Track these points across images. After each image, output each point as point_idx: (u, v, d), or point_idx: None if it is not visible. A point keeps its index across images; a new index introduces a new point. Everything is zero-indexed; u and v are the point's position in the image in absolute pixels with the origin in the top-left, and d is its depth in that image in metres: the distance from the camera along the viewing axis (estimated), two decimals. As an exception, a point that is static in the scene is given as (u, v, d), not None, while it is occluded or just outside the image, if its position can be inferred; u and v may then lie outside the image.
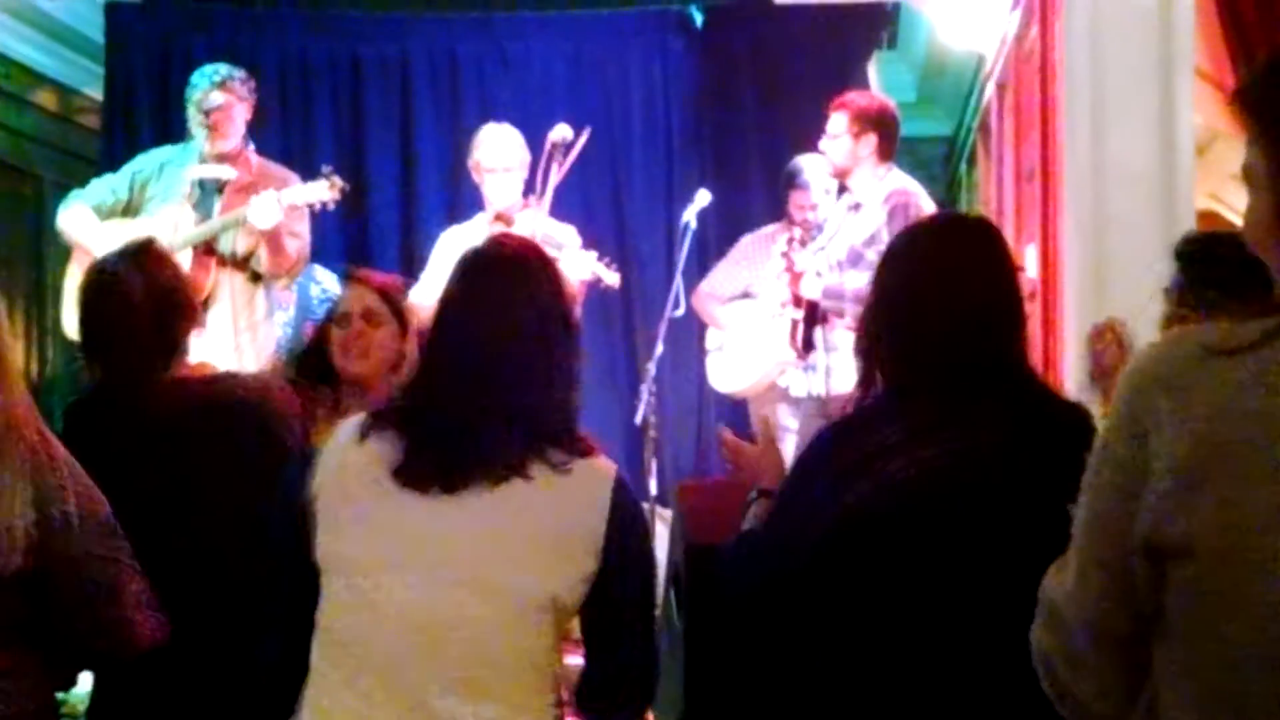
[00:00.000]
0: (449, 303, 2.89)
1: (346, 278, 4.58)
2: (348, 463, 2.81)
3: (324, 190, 6.41)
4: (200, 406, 3.80)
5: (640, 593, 2.92)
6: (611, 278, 6.62)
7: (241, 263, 6.53)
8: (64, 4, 8.47)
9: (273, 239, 6.41)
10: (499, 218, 6.70)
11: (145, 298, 3.89)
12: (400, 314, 4.33)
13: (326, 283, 7.22)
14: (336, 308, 4.39)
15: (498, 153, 6.72)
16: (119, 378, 3.83)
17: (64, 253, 6.65)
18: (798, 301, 6.26)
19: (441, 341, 2.87)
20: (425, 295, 6.43)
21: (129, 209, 6.59)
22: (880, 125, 6.35)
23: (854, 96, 6.46)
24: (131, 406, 3.78)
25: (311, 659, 2.78)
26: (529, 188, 6.73)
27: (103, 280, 3.95)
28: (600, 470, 2.87)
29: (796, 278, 6.24)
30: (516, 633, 2.73)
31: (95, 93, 8.73)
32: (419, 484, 2.75)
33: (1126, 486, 1.85)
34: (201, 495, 3.74)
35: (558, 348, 2.86)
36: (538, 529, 2.76)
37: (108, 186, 6.67)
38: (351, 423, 2.88)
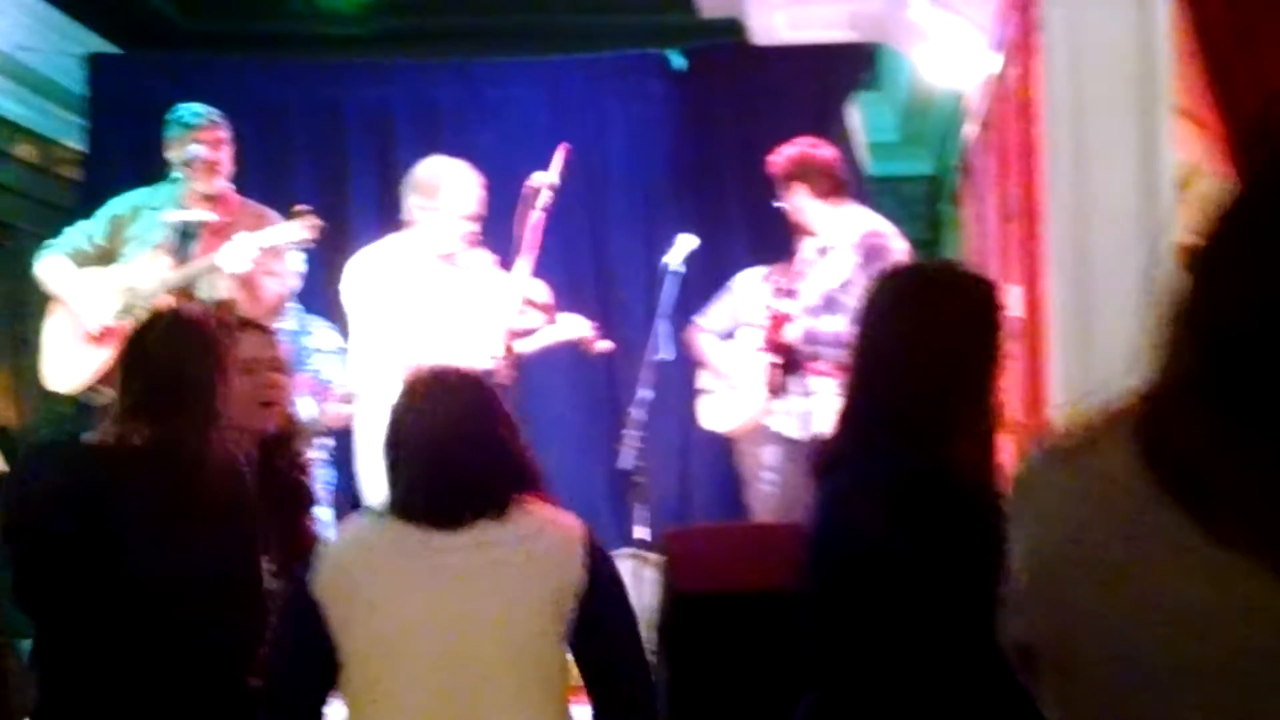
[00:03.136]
0: (432, 421, 3.38)
1: (244, 324, 4.42)
2: (372, 550, 3.32)
3: (298, 230, 6.31)
4: (231, 473, 3.76)
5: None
6: (603, 346, 6.66)
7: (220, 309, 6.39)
8: (43, 56, 8.45)
9: (248, 282, 6.31)
10: (450, 262, 6.60)
11: (227, 359, 3.86)
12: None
13: (321, 338, 7.15)
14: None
15: (467, 201, 6.57)
16: (176, 435, 3.73)
17: (43, 304, 6.60)
18: (775, 347, 6.25)
19: (437, 454, 3.35)
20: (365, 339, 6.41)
21: (106, 255, 6.50)
22: (800, 172, 6.40)
23: (775, 158, 6.49)
24: (187, 466, 3.70)
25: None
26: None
27: (193, 333, 3.87)
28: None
29: (778, 323, 6.22)
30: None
31: (74, 144, 8.70)
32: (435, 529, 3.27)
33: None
34: (242, 567, 3.72)
35: (517, 437, 3.52)
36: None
37: (84, 234, 6.59)
38: (363, 521, 3.45)
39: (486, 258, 6.58)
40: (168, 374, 3.77)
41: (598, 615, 3.28)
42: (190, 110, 6.66)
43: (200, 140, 6.51)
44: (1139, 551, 1.60)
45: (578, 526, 3.37)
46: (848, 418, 3.15)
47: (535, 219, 6.54)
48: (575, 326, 6.69)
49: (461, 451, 3.34)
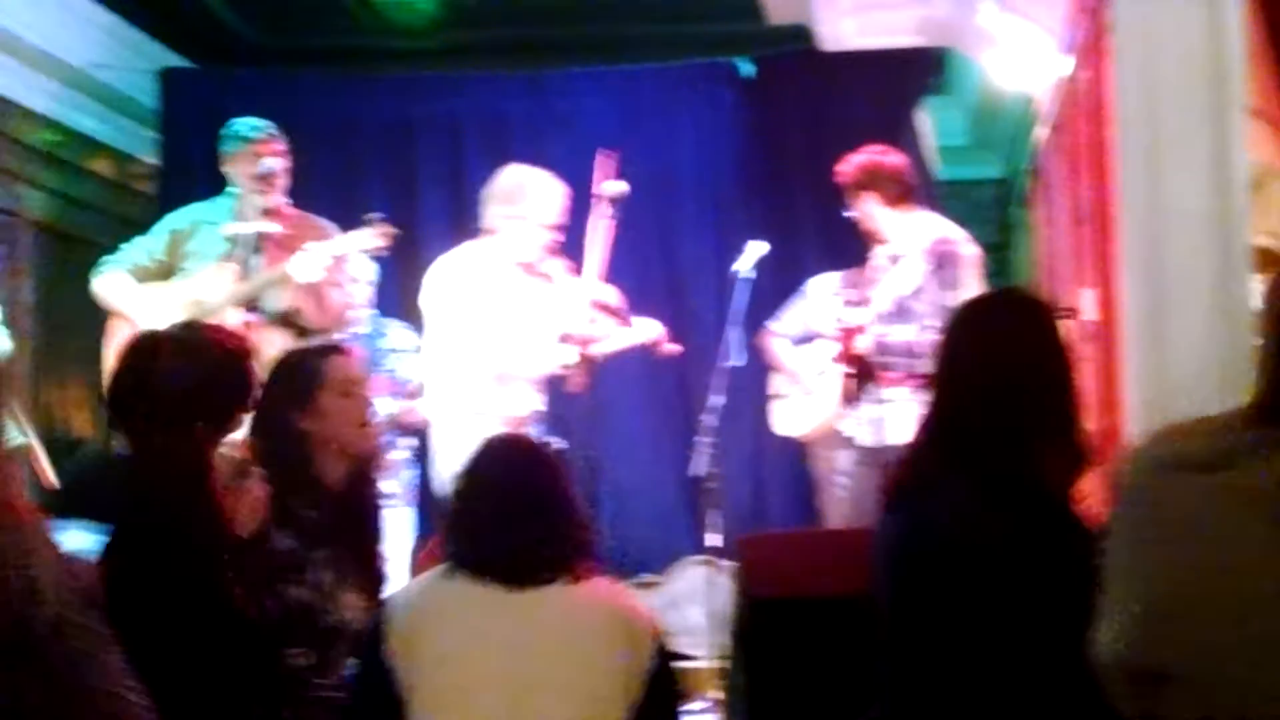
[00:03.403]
0: (498, 486, 3.51)
1: (328, 349, 4.47)
2: (442, 606, 3.38)
3: (369, 238, 6.33)
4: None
5: None
6: (671, 349, 6.73)
7: (284, 320, 6.44)
8: (118, 73, 8.54)
9: (315, 292, 6.36)
10: (529, 270, 6.61)
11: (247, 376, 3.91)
12: None
13: (397, 338, 7.20)
14: (325, 378, 4.21)
15: (550, 210, 6.59)
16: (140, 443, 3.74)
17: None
18: (848, 359, 6.25)
19: (509, 510, 3.45)
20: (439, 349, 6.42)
21: (166, 270, 6.56)
22: (869, 180, 6.41)
23: (844, 167, 6.50)
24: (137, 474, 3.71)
25: None
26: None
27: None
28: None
29: (850, 336, 6.22)
30: None
31: (150, 158, 8.80)
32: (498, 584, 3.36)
33: None
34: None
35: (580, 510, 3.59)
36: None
37: (144, 249, 6.64)
38: (432, 579, 3.48)
39: (561, 265, 6.60)
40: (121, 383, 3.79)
41: (654, 709, 3.34)
42: (248, 124, 6.71)
43: (263, 153, 6.55)
44: None
45: (651, 617, 3.46)
46: (928, 438, 3.18)
47: (604, 227, 6.56)
48: (646, 330, 6.71)
49: (533, 510, 3.43)
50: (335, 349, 4.45)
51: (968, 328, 3.28)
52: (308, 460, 4.10)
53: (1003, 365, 3.11)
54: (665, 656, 3.40)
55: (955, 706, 2.95)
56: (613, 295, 6.62)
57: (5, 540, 2.83)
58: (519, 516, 3.41)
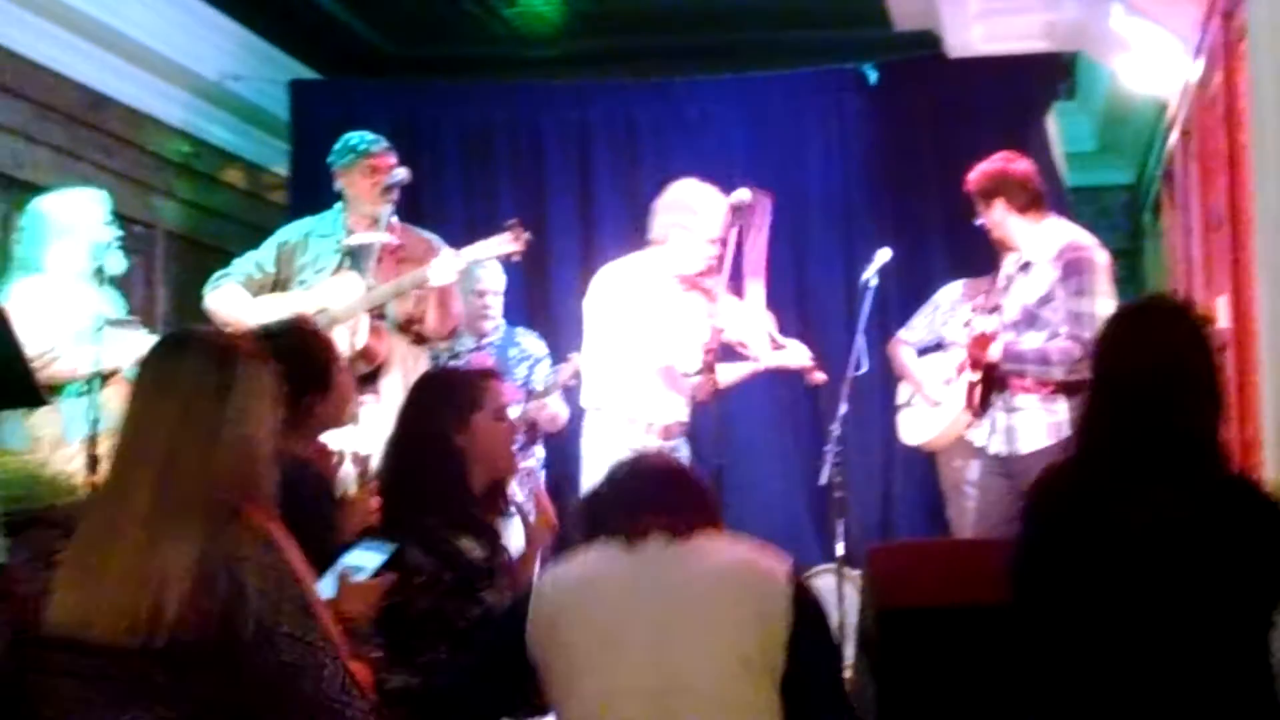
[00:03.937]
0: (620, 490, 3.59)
1: (485, 374, 4.68)
2: (584, 579, 3.43)
3: (507, 243, 6.35)
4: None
5: None
6: (819, 377, 6.68)
7: (404, 327, 6.50)
8: (250, 84, 8.66)
9: (441, 299, 6.41)
10: (691, 283, 6.58)
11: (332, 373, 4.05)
12: None
13: (529, 345, 7.25)
14: (483, 401, 4.37)
15: (715, 224, 6.48)
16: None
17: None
18: (975, 364, 6.21)
19: (643, 483, 3.57)
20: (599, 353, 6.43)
21: (278, 282, 6.59)
22: (997, 188, 6.34)
23: (972, 175, 6.44)
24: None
25: None
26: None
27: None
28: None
29: (981, 342, 6.17)
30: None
31: (282, 169, 8.92)
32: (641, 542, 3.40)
33: None
34: None
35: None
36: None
37: (253, 262, 6.66)
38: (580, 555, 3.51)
39: (720, 281, 6.54)
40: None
41: (803, 651, 3.32)
42: (362, 137, 6.70)
43: (380, 166, 6.57)
44: None
45: (783, 569, 3.42)
46: (1089, 445, 3.20)
47: (734, 240, 6.51)
48: (796, 354, 6.64)
49: (664, 481, 3.57)
50: (491, 374, 4.67)
51: (1124, 337, 3.31)
52: (461, 473, 4.28)
53: (1166, 372, 3.15)
54: (804, 603, 3.37)
55: (1133, 704, 2.97)
56: (769, 318, 6.59)
57: (221, 546, 2.89)
58: (651, 486, 3.53)
